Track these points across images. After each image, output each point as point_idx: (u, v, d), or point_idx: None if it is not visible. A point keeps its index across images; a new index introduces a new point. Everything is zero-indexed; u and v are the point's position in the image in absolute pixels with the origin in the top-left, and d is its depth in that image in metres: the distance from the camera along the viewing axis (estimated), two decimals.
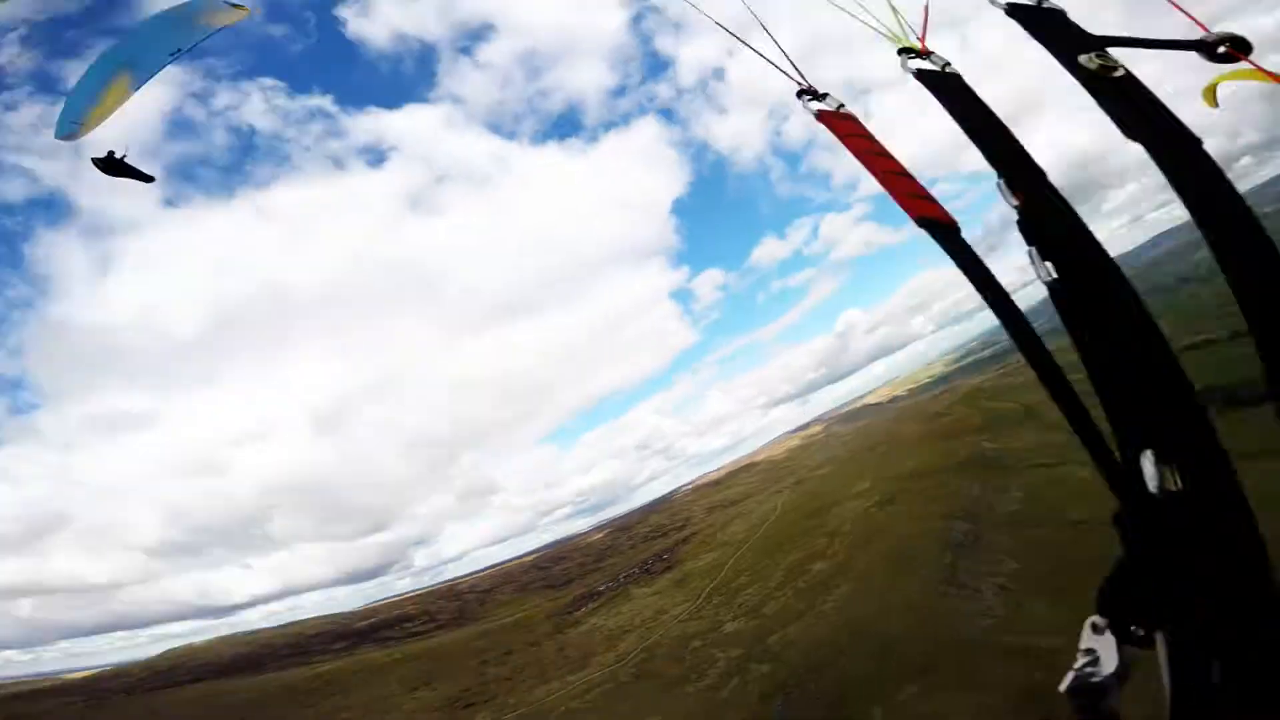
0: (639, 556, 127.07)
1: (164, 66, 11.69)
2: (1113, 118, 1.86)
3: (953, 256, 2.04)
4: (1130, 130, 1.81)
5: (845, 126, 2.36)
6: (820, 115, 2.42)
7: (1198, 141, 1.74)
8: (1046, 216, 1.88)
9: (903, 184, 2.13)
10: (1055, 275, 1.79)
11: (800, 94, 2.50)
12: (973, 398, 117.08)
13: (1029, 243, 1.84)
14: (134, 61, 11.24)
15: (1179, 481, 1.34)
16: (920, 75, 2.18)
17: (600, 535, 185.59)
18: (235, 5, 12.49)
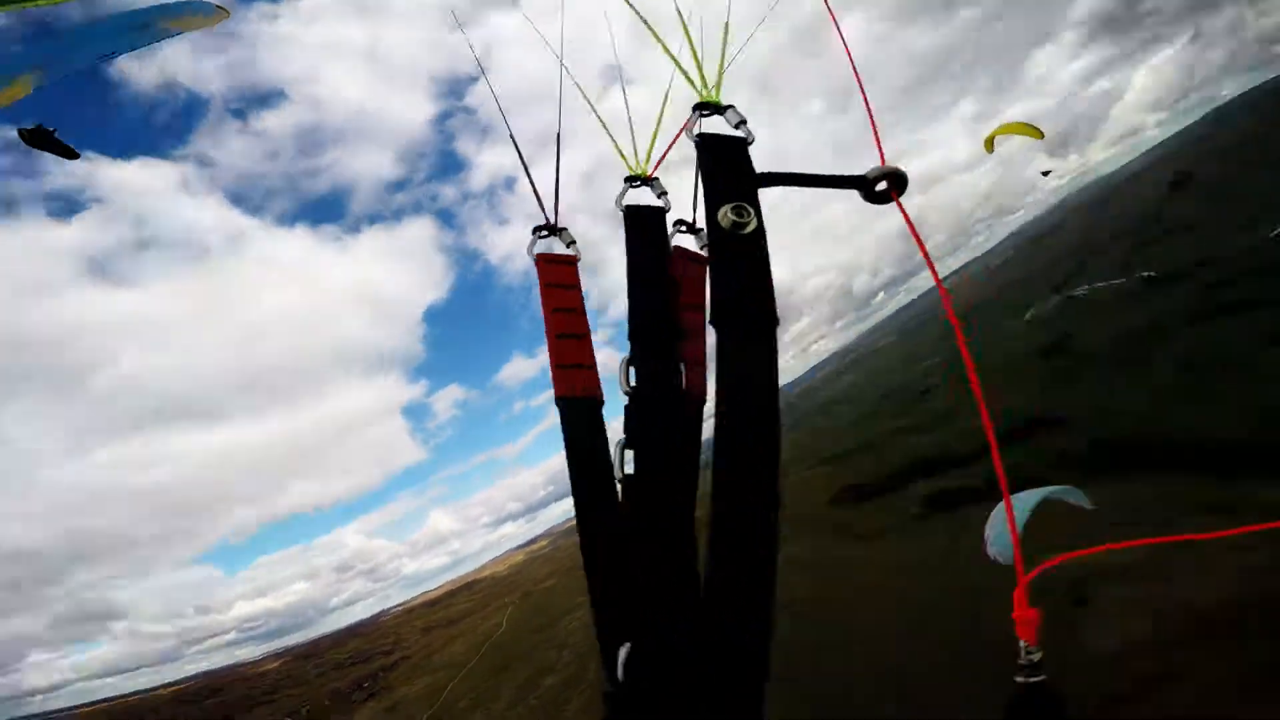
0: (330, 685, 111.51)
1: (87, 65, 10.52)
2: (716, 281, 1.54)
3: (574, 438, 1.73)
4: (725, 298, 1.48)
5: (555, 273, 1.95)
6: (539, 258, 2.00)
7: (777, 323, 1.52)
8: (653, 409, 1.58)
9: (568, 350, 1.78)
10: (631, 471, 1.53)
11: (537, 230, 2.08)
12: None
13: (625, 429, 1.57)
14: (54, 60, 10.15)
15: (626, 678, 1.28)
16: (628, 211, 1.84)
17: (276, 664, 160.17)
18: (219, 7, 11.51)
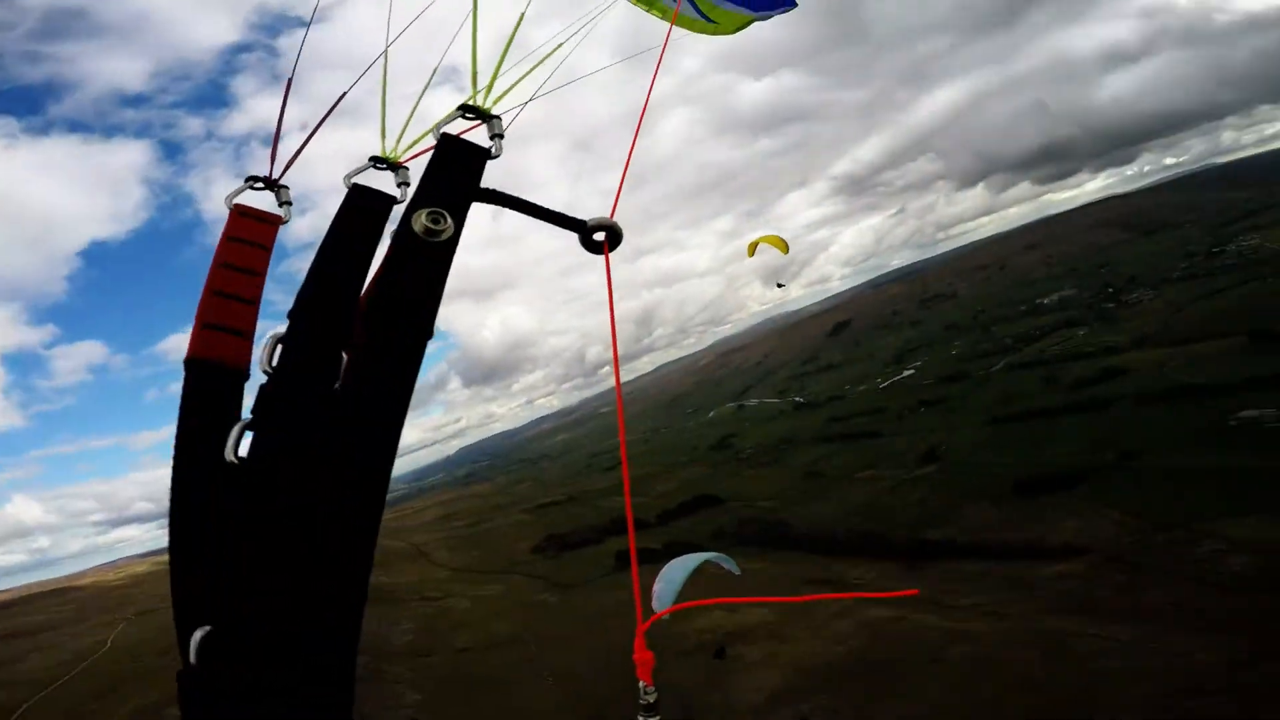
0: None
1: None
2: (382, 279, 1.44)
3: (191, 406, 1.53)
4: (386, 300, 1.41)
5: (246, 228, 1.75)
6: (237, 209, 1.78)
7: (429, 337, 1.43)
8: (289, 393, 1.37)
9: (224, 311, 1.61)
10: (244, 455, 1.36)
11: (250, 179, 1.85)
12: None
13: (253, 409, 1.38)
14: None
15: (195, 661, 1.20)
16: (354, 188, 1.66)
17: None
18: None
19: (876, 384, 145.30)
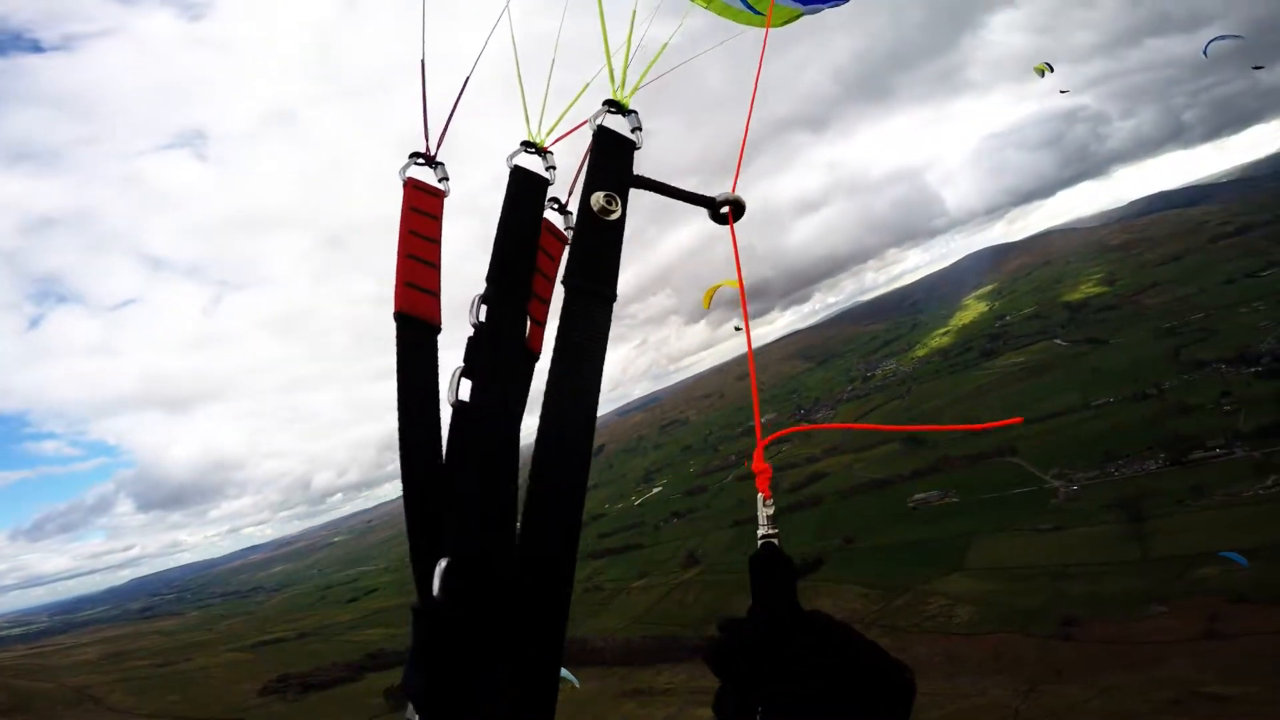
0: None
1: None
2: (575, 251, 1.67)
3: (405, 355, 1.77)
4: (580, 268, 1.64)
5: (420, 199, 1.97)
6: (409, 180, 1.97)
7: (614, 300, 1.67)
8: (496, 345, 1.67)
9: (416, 272, 1.85)
10: (465, 399, 1.59)
11: (414, 155, 2.02)
12: None
13: (465, 358, 1.65)
14: None
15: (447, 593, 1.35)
16: (516, 169, 1.92)
17: None
18: None
19: (632, 501, 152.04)
